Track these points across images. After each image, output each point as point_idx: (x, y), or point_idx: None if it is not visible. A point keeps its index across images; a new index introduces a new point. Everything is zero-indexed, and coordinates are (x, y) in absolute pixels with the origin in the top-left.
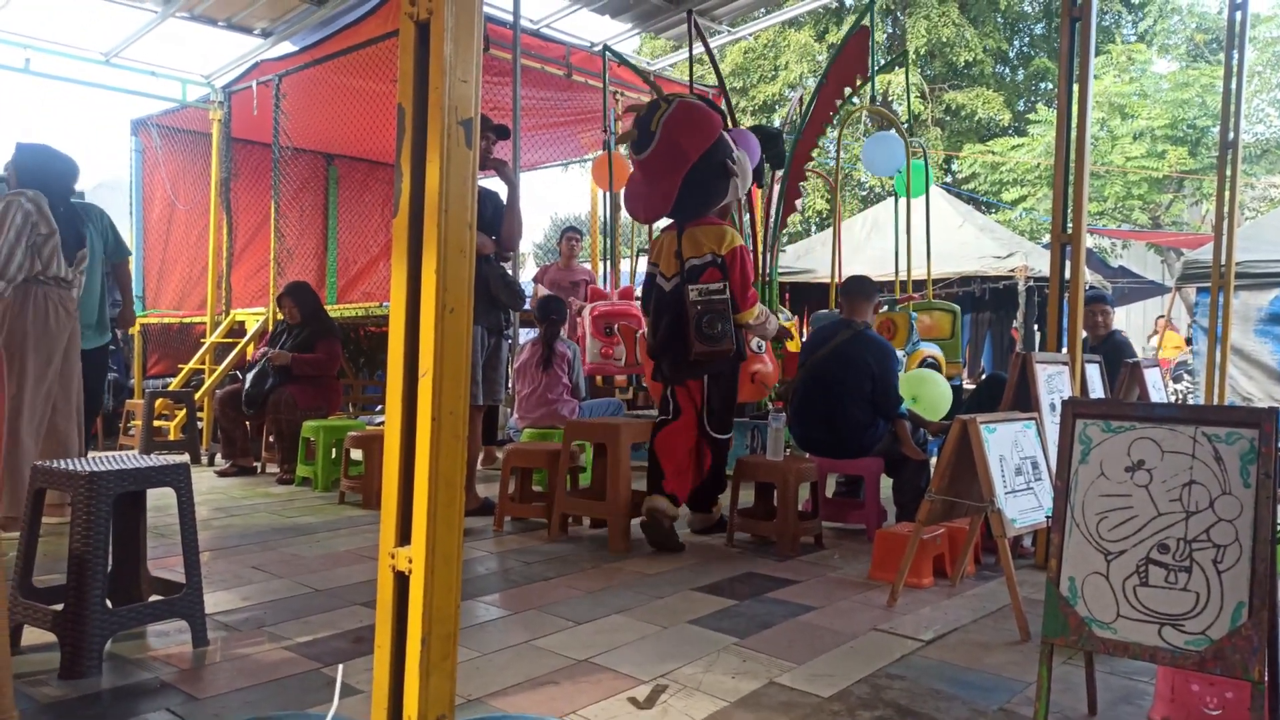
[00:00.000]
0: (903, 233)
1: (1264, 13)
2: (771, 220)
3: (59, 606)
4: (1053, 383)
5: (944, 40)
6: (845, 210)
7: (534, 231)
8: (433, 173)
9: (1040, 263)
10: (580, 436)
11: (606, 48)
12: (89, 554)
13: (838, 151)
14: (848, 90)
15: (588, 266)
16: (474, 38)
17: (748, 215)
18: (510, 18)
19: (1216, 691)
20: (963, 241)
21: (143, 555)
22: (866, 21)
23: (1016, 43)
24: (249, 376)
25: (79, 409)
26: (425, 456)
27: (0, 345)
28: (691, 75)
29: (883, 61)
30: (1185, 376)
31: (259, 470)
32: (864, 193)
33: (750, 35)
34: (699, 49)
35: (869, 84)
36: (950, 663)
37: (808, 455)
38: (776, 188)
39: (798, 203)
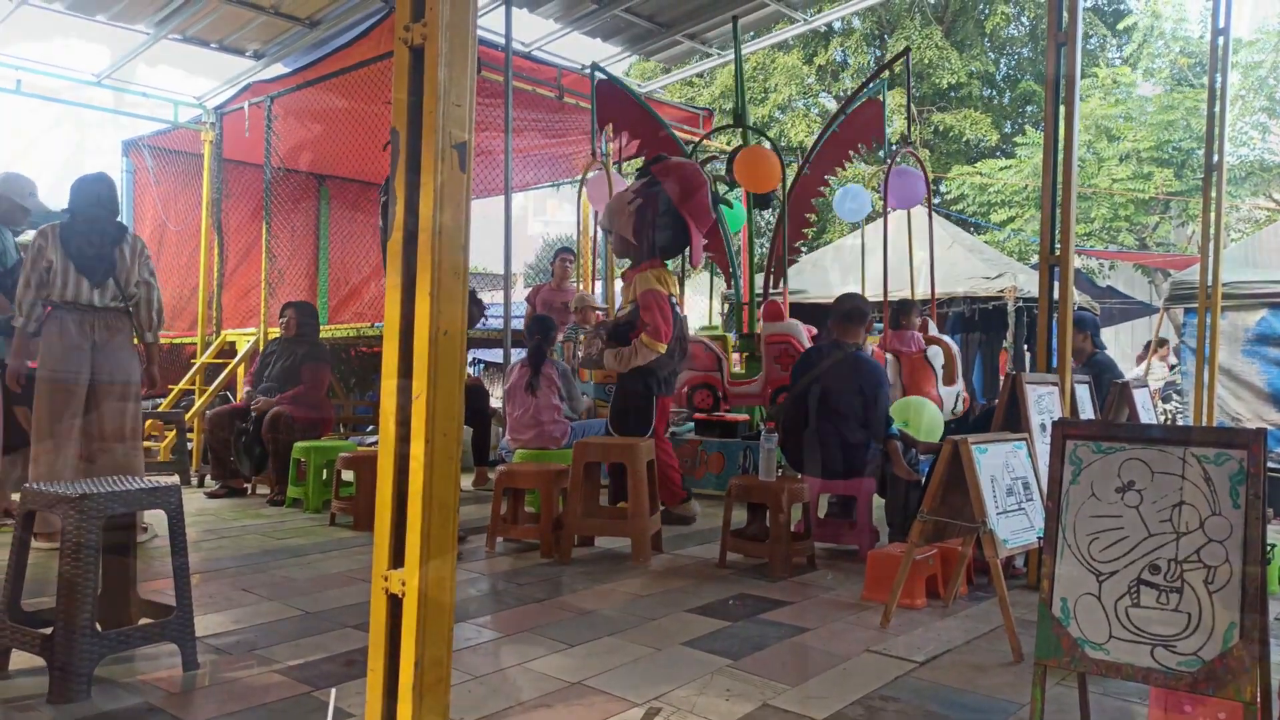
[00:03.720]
0: (890, 252)
1: (1246, 37)
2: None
3: (48, 630)
4: (1043, 403)
5: (927, 62)
6: (836, 231)
7: (525, 252)
8: (427, 196)
9: (1029, 283)
10: (596, 456)
11: (595, 66)
12: (78, 577)
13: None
14: (861, 146)
15: (579, 286)
16: (468, 62)
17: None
18: (502, 40)
19: (1209, 712)
20: (951, 262)
21: (133, 578)
22: (879, 96)
23: (1003, 65)
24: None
25: (132, 433)
26: (419, 479)
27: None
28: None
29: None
30: (1174, 397)
31: (249, 492)
32: None
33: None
34: (689, 72)
35: (881, 147)
36: (944, 684)
37: (800, 476)
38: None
39: (805, 231)
